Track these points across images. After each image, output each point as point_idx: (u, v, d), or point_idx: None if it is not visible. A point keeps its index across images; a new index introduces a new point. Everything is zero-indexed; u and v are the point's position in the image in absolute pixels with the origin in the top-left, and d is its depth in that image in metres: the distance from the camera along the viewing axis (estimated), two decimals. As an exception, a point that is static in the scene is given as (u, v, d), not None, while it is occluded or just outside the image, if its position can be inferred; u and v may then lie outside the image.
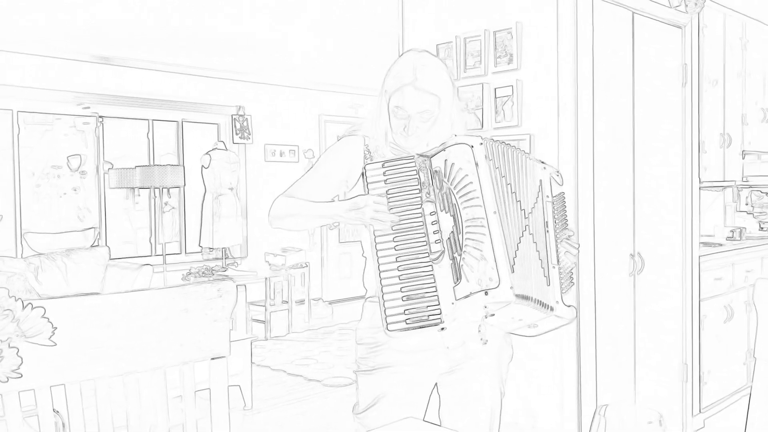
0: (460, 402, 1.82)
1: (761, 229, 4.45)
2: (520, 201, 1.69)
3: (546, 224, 1.75)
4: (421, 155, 1.68)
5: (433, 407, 1.86)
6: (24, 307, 0.69)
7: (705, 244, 3.74)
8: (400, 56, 1.83)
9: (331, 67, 5.93)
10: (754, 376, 1.44)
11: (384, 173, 1.67)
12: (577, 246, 1.83)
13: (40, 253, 4.65)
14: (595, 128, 2.67)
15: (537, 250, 1.68)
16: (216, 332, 1.47)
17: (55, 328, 0.70)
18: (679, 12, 3.17)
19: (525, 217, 1.69)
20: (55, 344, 0.71)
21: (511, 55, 2.71)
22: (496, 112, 2.76)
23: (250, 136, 6.07)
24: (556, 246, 1.76)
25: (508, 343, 1.89)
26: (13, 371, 0.66)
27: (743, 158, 4.22)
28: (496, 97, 2.77)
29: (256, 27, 4.61)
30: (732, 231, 4.16)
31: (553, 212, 1.79)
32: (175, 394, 1.46)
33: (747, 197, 4.55)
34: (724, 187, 4.39)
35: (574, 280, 1.83)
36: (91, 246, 5.10)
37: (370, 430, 1.65)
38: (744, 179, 4.27)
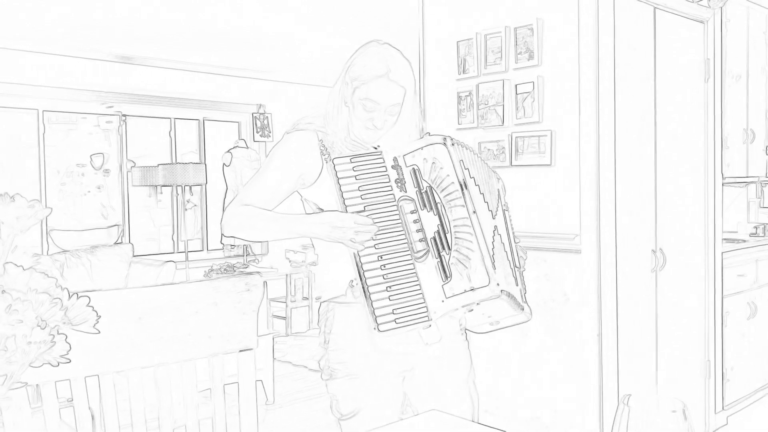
0: (432, 394, 1.80)
1: (785, 225, 4.40)
2: (487, 203, 1.70)
3: (507, 229, 1.78)
4: (392, 152, 1.66)
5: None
6: (70, 296, 0.72)
7: (728, 240, 3.71)
8: (363, 47, 1.77)
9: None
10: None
11: (353, 168, 1.62)
12: (525, 252, 1.86)
13: (65, 250, 4.72)
14: (617, 124, 2.67)
15: (505, 251, 1.70)
16: (244, 325, 1.50)
17: (99, 316, 0.73)
18: (701, 6, 3.15)
19: (493, 218, 1.70)
20: (99, 332, 0.74)
21: (532, 51, 2.71)
22: (517, 109, 2.77)
23: (271, 134, 6.11)
24: (517, 250, 1.79)
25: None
26: (62, 356, 0.69)
27: (767, 154, 4.18)
28: (516, 94, 2.77)
29: (276, 26, 4.65)
30: (755, 227, 4.12)
31: (508, 219, 1.82)
32: (202, 389, 1.50)
33: (771, 193, 4.51)
34: (748, 183, 4.36)
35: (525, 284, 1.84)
36: (115, 243, 5.17)
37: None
38: (768, 175, 4.24)
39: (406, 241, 1.63)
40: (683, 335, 3.11)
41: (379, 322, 1.59)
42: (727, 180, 3.58)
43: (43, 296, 0.69)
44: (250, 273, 4.98)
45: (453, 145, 1.66)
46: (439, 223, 1.62)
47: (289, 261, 6.01)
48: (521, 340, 2.69)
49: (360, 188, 1.63)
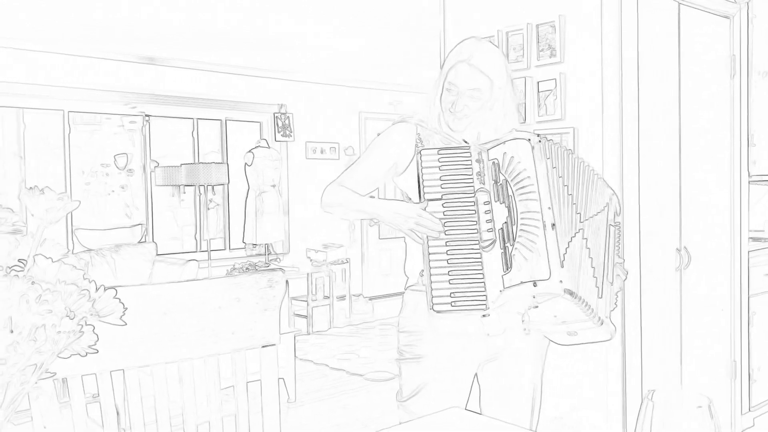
0: (500, 390, 1.83)
1: (813, 223, 4.32)
2: (576, 204, 1.69)
3: (605, 241, 1.76)
4: (479, 146, 1.70)
5: (473, 396, 1.87)
6: (97, 288, 0.73)
7: (754, 239, 3.66)
8: (461, 42, 1.84)
9: (371, 64, 5.96)
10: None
11: (439, 159, 1.67)
12: (626, 272, 1.85)
13: (90, 249, 4.78)
14: (641, 121, 2.64)
15: (590, 257, 1.69)
16: (267, 321, 1.51)
17: (126, 308, 0.74)
18: (727, 2, 3.11)
19: (580, 221, 1.69)
20: (125, 324, 0.74)
21: (554, 48, 2.70)
22: (539, 106, 2.75)
23: (292, 134, 6.14)
24: (613, 266, 1.77)
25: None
26: (90, 347, 0.70)
27: (794, 151, 4.11)
28: (539, 91, 2.76)
29: (297, 26, 4.67)
30: (782, 226, 4.05)
31: (616, 236, 1.81)
32: (225, 387, 1.51)
33: (798, 191, 4.44)
34: (774, 181, 4.29)
35: (617, 303, 1.83)
36: (139, 242, 5.23)
37: (413, 417, 1.66)
38: (795, 173, 4.17)
39: (476, 230, 1.65)
40: (709, 334, 3.07)
41: (435, 302, 1.63)
42: (753, 178, 3.52)
43: (71, 287, 0.70)
44: (273, 270, 5.01)
45: (540, 142, 1.68)
46: (508, 215, 1.65)
47: (311, 260, 6.03)
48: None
49: (441, 178, 1.67)
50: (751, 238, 3.49)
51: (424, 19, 3.32)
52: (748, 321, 3.25)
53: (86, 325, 0.69)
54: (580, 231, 1.69)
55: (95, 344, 0.69)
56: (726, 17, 3.12)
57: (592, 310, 1.66)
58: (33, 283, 0.66)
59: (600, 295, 1.69)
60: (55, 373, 0.68)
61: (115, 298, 0.74)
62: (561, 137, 2.66)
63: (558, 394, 2.68)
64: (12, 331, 0.61)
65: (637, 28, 2.63)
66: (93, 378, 1.32)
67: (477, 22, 2.95)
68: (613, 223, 1.80)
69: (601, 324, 1.69)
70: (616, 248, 1.82)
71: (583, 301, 1.63)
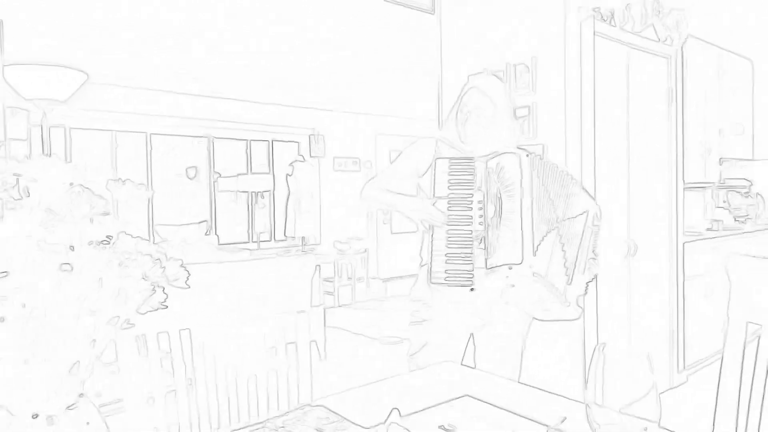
0: (490, 347, 1.82)
1: (736, 221, 4.27)
2: (555, 207, 1.69)
3: (581, 240, 1.74)
4: (480, 158, 1.71)
5: (469, 355, 1.86)
6: (168, 259, 0.73)
7: (688, 233, 3.61)
8: (473, 75, 1.88)
9: (383, 97, 5.96)
10: (726, 333, 1.40)
11: (449, 167, 1.71)
12: (597, 266, 1.82)
13: (166, 240, 4.81)
14: (596, 138, 2.62)
15: (563, 250, 1.68)
16: (301, 292, 1.51)
17: (189, 274, 0.74)
18: (666, 46, 3.08)
19: (557, 221, 1.68)
20: (189, 287, 0.75)
21: (528, 82, 2.68)
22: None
23: (323, 151, 6.15)
24: (586, 260, 1.76)
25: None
26: (161, 303, 0.70)
27: (720, 164, 4.06)
28: (516, 117, 2.74)
29: (326, 70, 4.68)
30: (711, 222, 4.00)
31: (592, 237, 1.78)
32: (269, 346, 1.50)
33: (725, 197, 4.38)
34: (705, 188, 4.23)
35: (587, 291, 1.82)
36: (204, 235, 5.26)
37: (418, 368, 1.66)
38: (721, 181, 4.11)
39: (470, 222, 1.66)
40: (652, 310, 3.04)
41: (432, 276, 1.66)
42: (687, 185, 3.48)
43: (146, 257, 0.70)
44: (306, 254, 5.05)
45: (528, 157, 1.69)
46: (495, 212, 1.65)
47: (337, 249, 6.04)
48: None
49: (449, 181, 1.70)
50: (686, 232, 3.44)
51: (425, 61, 3.32)
52: (684, 298, 3.21)
53: (158, 286, 0.70)
54: (556, 228, 1.67)
55: (165, 301, 0.69)
56: (665, 57, 3.09)
57: (561, 293, 1.64)
58: (117, 253, 0.66)
59: (569, 282, 1.68)
60: (134, 325, 0.68)
61: (181, 266, 0.74)
62: (533, 149, 2.64)
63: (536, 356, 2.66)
64: (101, 288, 0.62)
65: (594, 66, 2.61)
66: (166, 336, 1.33)
67: (467, 62, 2.94)
68: (591, 226, 1.78)
69: (568, 305, 1.67)
70: (593, 247, 1.80)
71: (552, 285, 1.63)
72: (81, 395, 0.66)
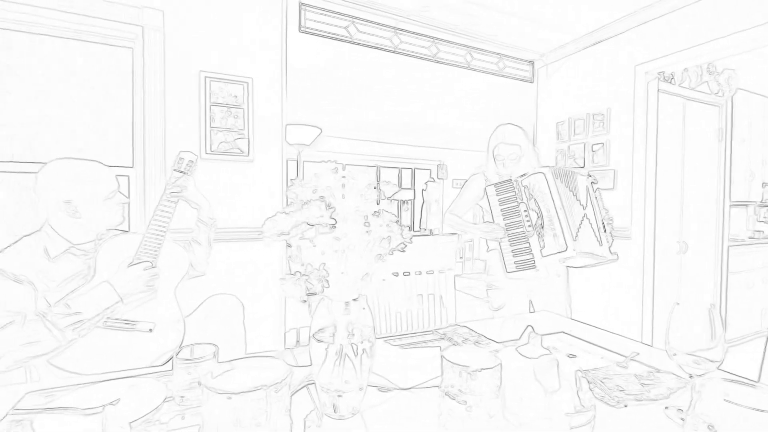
0: (546, 302, 1.73)
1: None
2: (579, 200, 1.59)
3: (595, 212, 1.60)
4: (516, 179, 1.63)
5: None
6: (402, 228, 0.86)
7: (733, 240, 3.08)
8: (497, 127, 1.76)
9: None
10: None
11: (496, 190, 1.65)
12: (612, 220, 1.64)
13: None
14: (658, 167, 2.38)
15: (591, 227, 1.58)
16: (448, 258, 1.58)
17: (411, 240, 0.87)
18: (717, 97, 2.68)
19: (584, 209, 1.58)
20: (407, 245, 0.87)
21: (603, 125, 2.52)
22: (593, 161, 2.58)
23: (446, 176, 6.20)
24: (603, 218, 1.62)
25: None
26: (401, 248, 0.84)
27: (762, 187, 3.39)
28: (592, 151, 2.59)
29: (453, 122, 4.72)
30: (753, 233, 3.36)
31: (598, 198, 1.63)
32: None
33: (765, 213, 3.64)
34: (748, 205, 3.56)
35: (614, 234, 1.64)
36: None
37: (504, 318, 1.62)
38: (763, 201, 3.43)
39: (522, 226, 1.62)
40: (701, 300, 2.66)
41: (507, 268, 1.61)
42: (734, 202, 2.97)
43: (395, 224, 0.84)
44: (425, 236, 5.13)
45: (551, 170, 1.59)
46: (537, 215, 1.59)
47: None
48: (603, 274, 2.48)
49: (499, 200, 1.64)
50: (731, 239, 2.95)
51: (525, 110, 3.24)
52: (727, 288, 2.75)
53: (393, 235, 0.83)
54: (585, 216, 1.57)
55: (404, 249, 0.83)
56: (716, 106, 2.69)
57: (597, 256, 1.55)
58: (382, 218, 0.81)
59: (600, 243, 1.57)
60: (386, 260, 0.81)
61: (408, 230, 0.87)
62: (605, 173, 2.47)
63: (598, 309, 2.47)
64: (368, 228, 0.75)
65: (657, 113, 2.37)
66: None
67: (555, 111, 2.84)
68: (591, 188, 1.61)
69: (604, 258, 1.55)
70: (601, 206, 1.63)
71: (590, 255, 1.54)
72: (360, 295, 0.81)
